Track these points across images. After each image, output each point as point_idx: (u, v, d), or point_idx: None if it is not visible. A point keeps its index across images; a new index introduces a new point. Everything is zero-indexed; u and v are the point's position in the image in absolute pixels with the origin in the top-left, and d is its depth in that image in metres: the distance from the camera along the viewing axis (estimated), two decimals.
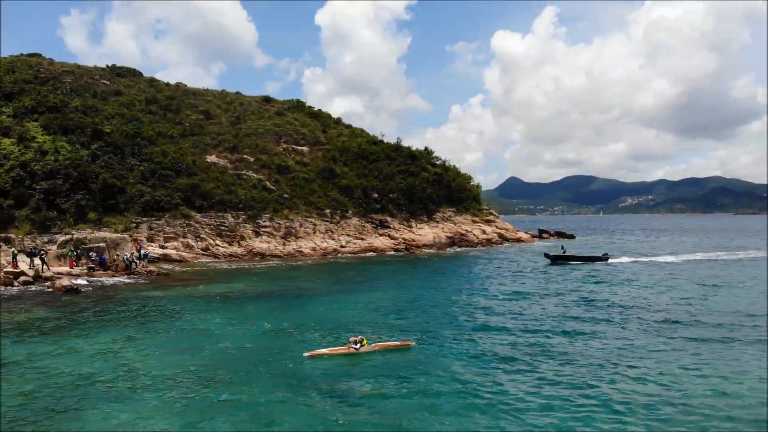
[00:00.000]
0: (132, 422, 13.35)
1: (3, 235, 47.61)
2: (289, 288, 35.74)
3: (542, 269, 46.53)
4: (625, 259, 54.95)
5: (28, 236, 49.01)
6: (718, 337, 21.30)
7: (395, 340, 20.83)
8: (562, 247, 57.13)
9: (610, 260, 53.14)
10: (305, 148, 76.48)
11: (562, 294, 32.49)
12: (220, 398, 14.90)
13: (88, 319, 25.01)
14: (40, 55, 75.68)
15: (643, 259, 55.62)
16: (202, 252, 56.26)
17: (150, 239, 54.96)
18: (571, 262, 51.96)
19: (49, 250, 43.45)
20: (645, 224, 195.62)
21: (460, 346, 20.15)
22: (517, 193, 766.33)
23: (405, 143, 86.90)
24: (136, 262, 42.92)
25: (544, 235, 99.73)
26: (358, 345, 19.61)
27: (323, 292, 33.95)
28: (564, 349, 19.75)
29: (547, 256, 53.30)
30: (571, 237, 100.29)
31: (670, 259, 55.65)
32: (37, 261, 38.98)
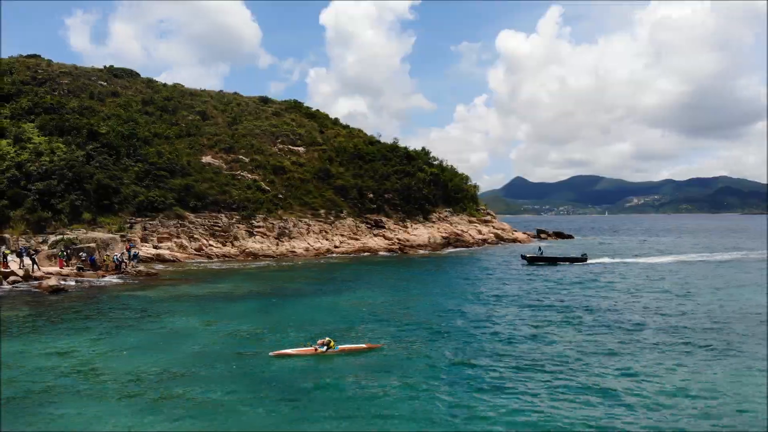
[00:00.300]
0: (82, 421, 13.59)
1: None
2: (274, 289, 36.05)
3: (518, 271, 46.50)
4: (606, 260, 54.82)
5: (23, 236, 49.60)
6: (671, 341, 21.33)
7: (364, 343, 21.03)
8: (539, 248, 57.28)
9: (589, 261, 52.98)
10: (301, 149, 76.79)
11: (530, 296, 32.38)
12: (177, 397, 15.14)
13: (66, 319, 25.37)
14: (38, 56, 76.27)
15: (629, 260, 55.38)
16: (195, 252, 56.65)
17: (144, 239, 55.43)
18: (548, 264, 51.96)
19: (41, 250, 43.93)
20: (649, 225, 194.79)
21: (427, 351, 20.25)
22: (522, 193, 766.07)
23: (409, 143, 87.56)
24: (125, 263, 43.32)
25: (542, 235, 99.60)
26: (325, 347, 19.82)
27: (306, 293, 34.22)
28: (522, 353, 19.86)
29: (523, 257, 53.36)
30: (570, 237, 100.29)
31: (658, 260, 55.53)
32: (27, 261, 39.39)
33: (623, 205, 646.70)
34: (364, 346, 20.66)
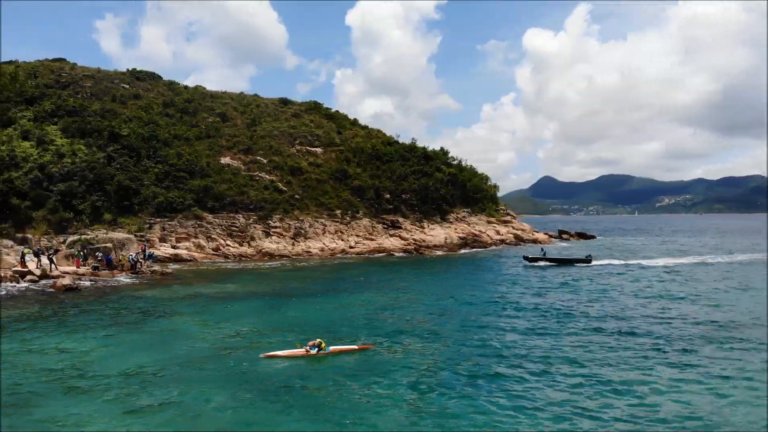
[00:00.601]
0: (67, 419, 13.93)
1: (21, 235, 49.62)
2: (281, 289, 36.37)
3: (518, 272, 45.87)
4: (615, 261, 53.59)
5: (45, 236, 50.93)
6: (654, 348, 20.87)
7: (355, 344, 21.15)
8: (542, 249, 56.73)
9: (594, 262, 51.88)
10: (319, 150, 77.26)
11: (522, 300, 31.72)
12: (161, 396, 15.42)
13: (71, 317, 25.99)
14: (63, 59, 78.17)
15: (643, 261, 53.94)
16: (212, 252, 57.39)
17: (163, 239, 56.41)
18: (550, 265, 51.28)
19: (59, 250, 45.03)
20: (679, 225, 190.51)
21: (416, 353, 20.23)
22: (551, 193, 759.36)
23: (435, 144, 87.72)
24: (140, 262, 44.13)
25: (564, 235, 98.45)
26: (316, 349, 19.95)
27: (311, 293, 34.43)
28: (506, 359, 19.66)
29: (525, 258, 52.92)
30: (592, 237, 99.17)
31: (674, 261, 54.28)
32: (45, 260, 40.43)
33: (654, 204, 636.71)
34: (355, 347, 20.78)
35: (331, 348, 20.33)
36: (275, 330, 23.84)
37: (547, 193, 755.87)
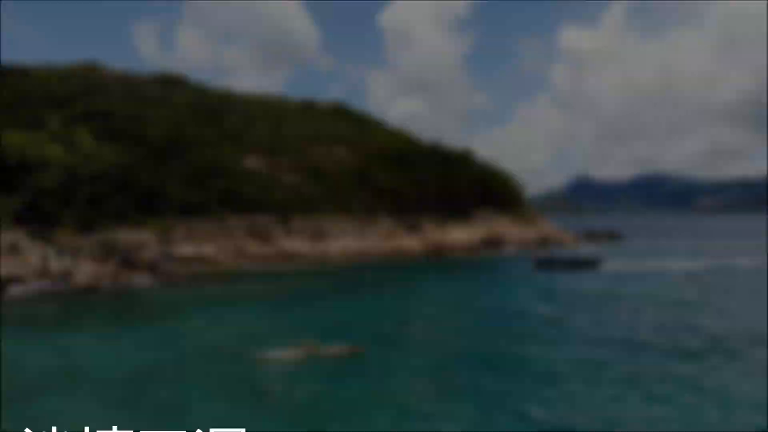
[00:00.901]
0: (55, 417, 14.28)
1: (47, 236, 51.15)
2: (291, 290, 36.79)
3: (526, 276, 45.07)
4: (627, 265, 51.70)
5: (71, 237, 52.34)
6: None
7: (347, 346, 21.25)
8: (551, 252, 55.89)
9: (605, 265, 50.54)
10: (341, 151, 77.63)
11: (518, 305, 31.18)
12: (151, 396, 15.79)
13: (77, 317, 26.85)
14: (94, 63, 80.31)
15: (658, 264, 52.25)
16: (233, 253, 58.12)
17: (185, 240, 57.37)
18: (559, 268, 50.24)
19: (83, 250, 46.24)
20: (717, 227, 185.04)
21: (403, 358, 20.29)
22: (586, 194, 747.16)
23: (468, 143, 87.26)
24: (160, 263, 45.04)
25: (592, 237, 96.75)
26: (308, 351, 20.13)
27: (319, 294, 34.77)
28: (489, 369, 19.52)
29: (532, 261, 52.17)
30: (619, 238, 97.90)
31: (690, 263, 52.70)
32: (68, 261, 41.59)
33: (693, 205, 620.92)
34: (346, 348, 20.89)
35: (325, 349, 20.50)
36: (275, 331, 24.16)
37: (583, 194, 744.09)
